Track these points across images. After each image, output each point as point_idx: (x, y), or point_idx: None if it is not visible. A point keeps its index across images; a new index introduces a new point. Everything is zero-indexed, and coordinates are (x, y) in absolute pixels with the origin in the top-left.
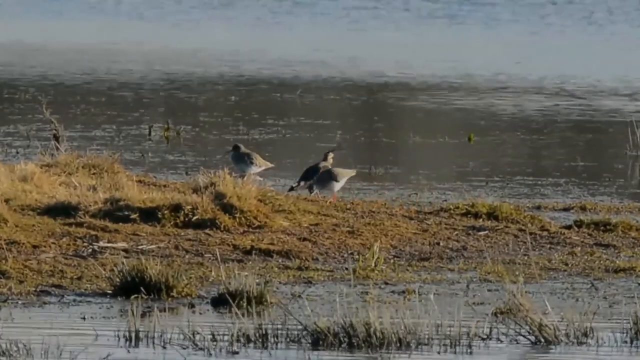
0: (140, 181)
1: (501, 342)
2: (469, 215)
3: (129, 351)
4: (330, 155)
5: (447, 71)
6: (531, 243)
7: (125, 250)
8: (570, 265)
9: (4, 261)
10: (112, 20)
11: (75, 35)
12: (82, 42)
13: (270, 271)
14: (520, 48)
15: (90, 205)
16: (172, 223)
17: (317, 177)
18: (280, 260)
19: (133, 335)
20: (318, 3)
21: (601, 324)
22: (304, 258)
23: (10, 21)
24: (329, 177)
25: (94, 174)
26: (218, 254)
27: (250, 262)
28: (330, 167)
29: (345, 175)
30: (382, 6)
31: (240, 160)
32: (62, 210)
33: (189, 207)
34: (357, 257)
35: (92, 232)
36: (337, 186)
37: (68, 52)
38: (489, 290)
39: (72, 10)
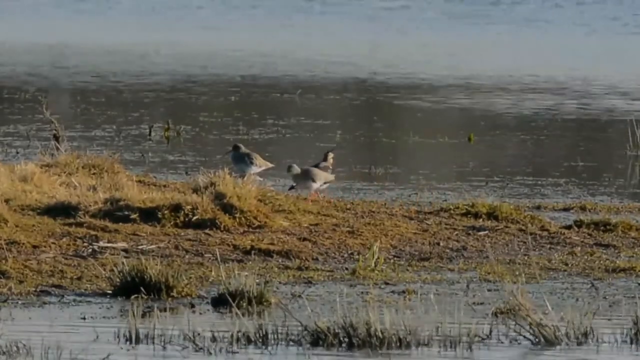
0: (140, 181)
1: (501, 342)
2: (469, 215)
3: (128, 351)
4: (330, 155)
5: (448, 71)
6: (531, 243)
7: (125, 250)
8: (570, 265)
9: (4, 261)
10: (119, 20)
11: (78, 35)
12: (86, 42)
13: (270, 271)
14: (522, 48)
15: (90, 205)
16: (172, 223)
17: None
18: (280, 260)
19: (133, 335)
20: (327, 2)
21: (601, 324)
22: (304, 258)
23: (20, 21)
24: (306, 177)
25: (94, 174)
26: (218, 254)
27: (250, 262)
28: (329, 166)
29: (323, 177)
30: (391, 5)
31: (241, 160)
32: (62, 210)
33: (189, 207)
34: (357, 257)
35: (92, 232)
36: (314, 186)
37: (71, 52)
38: (489, 290)
39: (78, 10)
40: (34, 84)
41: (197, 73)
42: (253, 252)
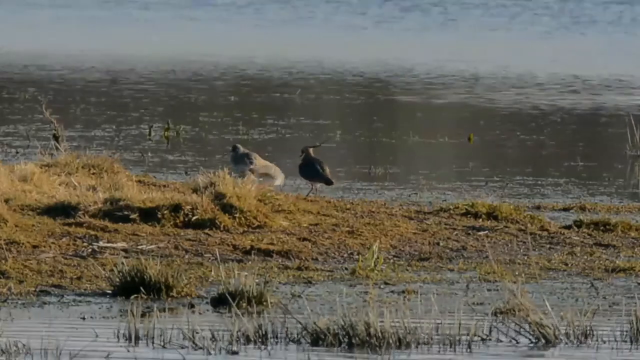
0: (140, 181)
1: (501, 342)
2: (469, 215)
3: (128, 351)
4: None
5: (448, 70)
6: (531, 243)
7: (125, 250)
8: (570, 265)
9: (3, 261)
10: (118, 21)
11: (79, 37)
12: (86, 42)
13: (270, 271)
14: (522, 48)
15: (90, 205)
16: (171, 223)
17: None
18: (280, 260)
19: (133, 335)
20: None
21: (601, 324)
22: (303, 258)
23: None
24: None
25: (93, 174)
26: (218, 254)
27: (250, 262)
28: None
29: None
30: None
31: (240, 161)
32: (61, 210)
33: (188, 207)
34: (356, 257)
35: (92, 232)
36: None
37: (71, 53)
38: (488, 290)
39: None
40: (34, 84)
41: (197, 73)
42: (253, 252)
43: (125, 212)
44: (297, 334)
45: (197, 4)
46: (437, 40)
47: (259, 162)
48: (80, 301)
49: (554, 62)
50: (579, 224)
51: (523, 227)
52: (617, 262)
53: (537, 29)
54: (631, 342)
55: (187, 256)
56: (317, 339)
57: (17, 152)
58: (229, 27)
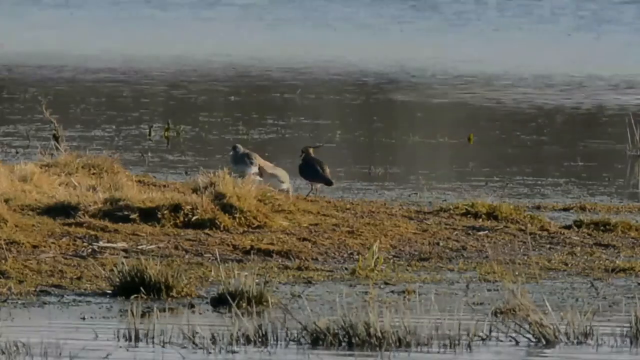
0: (140, 181)
1: (501, 341)
2: (469, 215)
3: (128, 351)
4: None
5: (448, 71)
6: (531, 243)
7: (125, 250)
8: (570, 265)
9: (3, 261)
10: (118, 20)
11: (75, 36)
12: (88, 43)
13: (270, 271)
14: (521, 47)
15: (90, 205)
16: (171, 223)
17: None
18: (280, 260)
19: (133, 335)
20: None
21: (601, 324)
22: (303, 258)
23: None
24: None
25: (93, 174)
26: (218, 254)
27: (250, 262)
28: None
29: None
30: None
31: (240, 161)
32: (61, 210)
33: (188, 207)
34: (356, 257)
35: (92, 232)
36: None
37: (73, 53)
38: (488, 290)
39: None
40: (34, 84)
41: (196, 73)
42: (253, 252)
43: (125, 212)
44: (297, 334)
45: (207, 3)
46: (443, 40)
47: (259, 162)
48: (80, 301)
49: (564, 63)
50: (579, 224)
51: (523, 227)
52: (617, 262)
53: (550, 29)
54: (631, 342)
55: (187, 256)
56: (317, 339)
57: (17, 152)
58: (234, 28)
